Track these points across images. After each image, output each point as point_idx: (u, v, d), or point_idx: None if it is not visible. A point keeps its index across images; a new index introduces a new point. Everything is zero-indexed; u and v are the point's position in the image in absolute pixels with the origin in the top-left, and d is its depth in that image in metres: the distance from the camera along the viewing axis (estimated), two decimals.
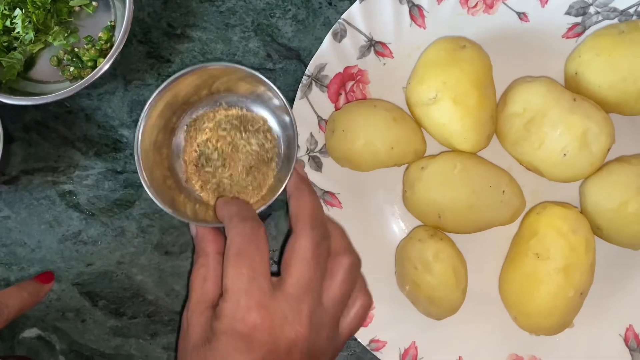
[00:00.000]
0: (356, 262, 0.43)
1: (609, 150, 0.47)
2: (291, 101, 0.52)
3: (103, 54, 0.52)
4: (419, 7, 0.52)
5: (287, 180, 0.44)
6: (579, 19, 0.51)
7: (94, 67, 0.52)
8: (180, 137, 0.49)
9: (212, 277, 0.41)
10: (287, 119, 0.46)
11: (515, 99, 0.48)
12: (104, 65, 0.48)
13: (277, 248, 0.54)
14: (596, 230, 0.49)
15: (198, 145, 0.49)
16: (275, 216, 0.54)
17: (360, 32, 0.52)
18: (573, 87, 0.50)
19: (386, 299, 0.51)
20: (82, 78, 0.50)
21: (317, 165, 0.52)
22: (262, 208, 0.44)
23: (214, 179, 0.48)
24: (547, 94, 0.47)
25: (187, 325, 0.41)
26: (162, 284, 0.54)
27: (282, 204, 0.53)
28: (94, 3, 0.54)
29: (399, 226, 0.53)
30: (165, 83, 0.46)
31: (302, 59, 0.54)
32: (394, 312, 0.51)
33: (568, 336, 0.49)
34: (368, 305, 0.44)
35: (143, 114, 0.46)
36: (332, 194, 0.52)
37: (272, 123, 0.49)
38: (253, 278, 0.38)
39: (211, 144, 0.49)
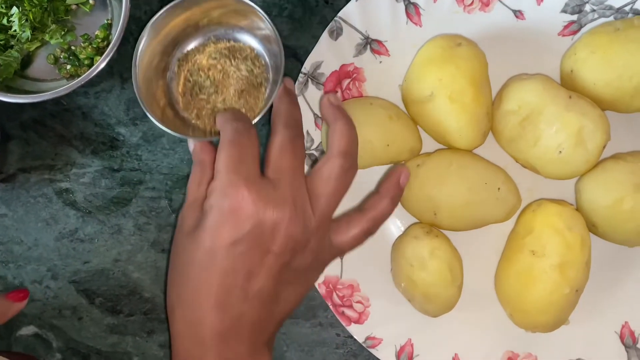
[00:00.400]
0: (345, 165, 0.43)
1: (604, 147, 0.47)
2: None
3: (100, 52, 0.52)
4: (415, 5, 0.52)
5: (274, 93, 0.46)
6: (574, 17, 0.52)
7: (90, 65, 0.52)
8: (172, 72, 0.51)
9: (207, 181, 0.44)
10: (275, 48, 0.48)
11: (511, 97, 0.48)
12: (101, 63, 0.48)
13: None
14: (592, 227, 0.49)
15: (191, 75, 0.51)
16: None
17: (356, 30, 0.52)
18: (569, 84, 0.50)
19: (382, 296, 0.51)
20: (79, 76, 0.50)
21: (314, 163, 0.52)
22: (256, 119, 0.46)
23: (209, 105, 0.50)
24: (543, 91, 0.47)
25: (181, 220, 0.44)
26: (159, 282, 0.54)
27: None
28: (90, 1, 0.54)
29: (394, 223, 0.53)
30: (156, 16, 0.47)
31: (299, 57, 0.54)
32: (390, 309, 0.51)
33: (564, 333, 0.49)
34: (368, 232, 0.45)
35: (137, 49, 0.47)
36: None
37: (260, 51, 0.51)
38: (242, 161, 0.41)
39: (203, 73, 0.51)
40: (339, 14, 0.52)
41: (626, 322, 0.51)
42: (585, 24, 0.51)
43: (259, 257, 0.40)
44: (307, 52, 0.52)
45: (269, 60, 0.51)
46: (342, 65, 0.52)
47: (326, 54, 0.52)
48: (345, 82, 0.53)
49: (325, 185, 0.42)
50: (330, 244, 0.44)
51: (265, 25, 0.48)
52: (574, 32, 0.52)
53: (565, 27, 0.52)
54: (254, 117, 0.48)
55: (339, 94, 0.53)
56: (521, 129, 0.48)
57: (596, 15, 0.51)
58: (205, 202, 0.42)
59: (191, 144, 0.47)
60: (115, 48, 0.49)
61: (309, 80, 0.52)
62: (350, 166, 0.43)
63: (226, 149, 0.41)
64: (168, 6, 0.48)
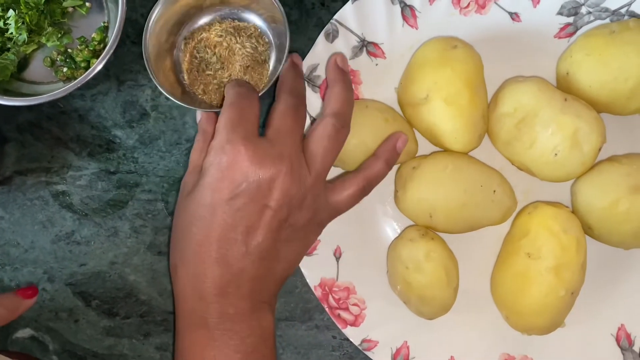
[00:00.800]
0: (337, 125, 0.45)
1: (600, 149, 0.47)
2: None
3: (96, 54, 0.52)
4: (411, 7, 0.52)
5: (279, 70, 0.49)
6: (570, 19, 0.52)
7: (87, 68, 0.52)
8: (179, 50, 0.53)
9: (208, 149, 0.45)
10: (280, 27, 0.51)
11: (507, 99, 0.48)
12: (97, 66, 0.49)
13: None
14: (587, 229, 0.49)
15: (197, 52, 0.53)
16: None
17: (352, 32, 0.52)
18: (564, 87, 0.50)
19: (378, 299, 0.51)
20: (75, 79, 0.50)
21: None
22: (260, 93, 0.48)
23: (215, 80, 0.53)
24: (539, 93, 0.47)
25: (183, 186, 0.46)
26: (155, 284, 0.54)
27: None
28: (87, 4, 0.54)
29: (391, 226, 0.53)
30: None
31: None
32: (386, 311, 0.51)
33: (560, 336, 0.49)
34: (362, 190, 0.46)
35: (147, 27, 0.50)
36: None
37: (264, 29, 0.54)
38: (241, 122, 0.43)
39: (209, 50, 0.53)
40: (335, 17, 0.52)
41: (622, 325, 0.51)
42: (581, 26, 0.51)
43: (257, 212, 0.41)
44: (304, 55, 0.52)
45: (273, 38, 0.53)
46: None
47: (322, 57, 0.52)
48: None
49: (318, 144, 0.44)
50: (327, 202, 0.45)
51: (271, 5, 0.50)
52: (570, 35, 0.52)
53: (561, 29, 0.52)
54: (259, 91, 0.50)
55: None
56: (517, 132, 0.48)
57: (592, 18, 0.51)
58: (204, 160, 0.44)
59: (198, 114, 0.50)
60: (111, 50, 0.49)
61: (305, 82, 0.52)
62: (342, 126, 0.45)
63: (226, 110, 0.43)
64: None
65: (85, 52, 0.52)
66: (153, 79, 0.49)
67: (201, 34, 0.53)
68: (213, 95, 0.53)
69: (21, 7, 0.51)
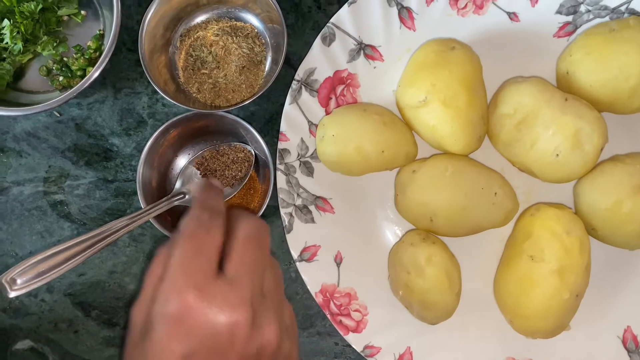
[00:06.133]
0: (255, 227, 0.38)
1: (602, 149, 0.47)
2: (281, 107, 0.52)
3: (92, 62, 0.52)
4: (408, 9, 0.52)
5: (278, 68, 0.49)
6: (569, 18, 0.51)
7: (83, 76, 0.52)
8: (175, 47, 0.53)
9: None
10: (277, 27, 0.51)
11: (506, 100, 0.48)
12: (93, 74, 0.48)
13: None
14: (591, 231, 0.48)
15: (194, 50, 0.53)
16: (267, 222, 0.54)
17: (349, 35, 0.52)
18: (565, 86, 0.49)
19: (380, 304, 0.51)
20: (71, 87, 0.49)
21: (309, 171, 0.52)
22: (256, 96, 0.49)
23: (210, 80, 0.52)
24: (538, 94, 0.47)
25: (133, 321, 0.37)
26: None
27: (274, 210, 0.52)
28: (82, 12, 0.54)
29: (392, 230, 0.52)
30: None
31: (292, 64, 0.54)
32: (388, 317, 0.51)
33: (565, 339, 0.49)
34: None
35: (143, 24, 0.49)
36: (324, 199, 0.52)
37: (261, 30, 0.53)
38: (195, 261, 0.35)
39: (205, 49, 0.53)
40: (332, 20, 0.51)
41: (628, 327, 0.50)
42: (580, 25, 0.51)
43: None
44: (300, 59, 0.52)
45: (270, 39, 0.53)
46: (336, 72, 0.52)
47: (319, 60, 0.51)
48: (340, 89, 0.53)
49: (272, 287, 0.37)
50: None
51: (269, 5, 0.50)
52: (570, 34, 0.51)
53: (561, 28, 0.51)
54: (254, 93, 0.50)
55: (334, 100, 0.52)
56: (517, 133, 0.48)
57: (591, 16, 0.51)
58: (151, 307, 0.35)
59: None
60: (107, 58, 0.48)
61: (303, 87, 0.52)
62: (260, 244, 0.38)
63: (180, 244, 0.36)
64: None
65: (81, 61, 0.52)
66: (146, 73, 0.48)
67: (197, 32, 0.53)
68: (207, 94, 0.52)
69: (16, 17, 0.51)
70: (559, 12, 0.51)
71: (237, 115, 0.49)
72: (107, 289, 0.54)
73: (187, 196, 0.51)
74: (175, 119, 0.49)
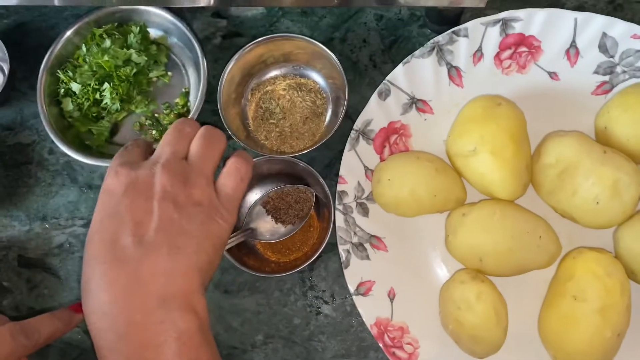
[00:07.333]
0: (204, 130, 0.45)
1: None
2: (339, 153, 0.57)
3: (181, 116, 0.59)
4: (456, 68, 0.57)
5: (339, 119, 0.55)
6: (606, 78, 0.56)
7: None
8: (246, 99, 0.60)
9: None
10: (337, 82, 0.58)
11: (549, 151, 0.52)
12: None
13: (327, 288, 0.58)
14: (630, 274, 0.51)
15: (263, 103, 0.60)
16: (325, 258, 0.58)
17: (402, 91, 0.57)
18: (603, 140, 0.54)
19: (430, 338, 0.54)
20: None
21: (365, 211, 0.57)
22: (321, 142, 0.55)
23: (277, 129, 0.59)
24: (579, 146, 0.51)
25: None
26: (221, 321, 0.58)
27: (332, 247, 0.57)
28: (169, 73, 0.61)
29: (442, 269, 0.56)
30: (240, 51, 0.57)
31: (350, 115, 0.60)
32: (438, 350, 0.54)
33: None
34: (239, 166, 0.45)
35: (221, 80, 0.57)
36: (378, 238, 0.56)
37: (323, 86, 0.60)
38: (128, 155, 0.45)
39: (274, 101, 0.60)
40: (388, 78, 0.57)
41: None
42: (616, 84, 0.55)
43: (143, 202, 0.40)
44: (358, 111, 0.57)
45: (330, 93, 0.60)
46: (390, 123, 0.57)
47: (375, 113, 0.57)
48: (393, 138, 0.58)
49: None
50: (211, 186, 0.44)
51: (330, 63, 0.57)
52: (607, 92, 0.56)
53: (598, 87, 0.56)
54: (316, 141, 0.57)
55: (387, 148, 0.58)
56: (559, 181, 0.51)
57: (627, 76, 0.55)
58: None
59: None
60: (197, 114, 0.56)
61: (360, 136, 0.57)
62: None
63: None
64: (253, 43, 0.57)
65: (172, 116, 0.59)
66: (223, 121, 0.56)
67: (267, 86, 0.61)
68: (274, 141, 0.59)
69: (114, 80, 0.58)
70: (596, 72, 0.56)
71: (300, 160, 0.55)
72: None
73: (254, 232, 0.56)
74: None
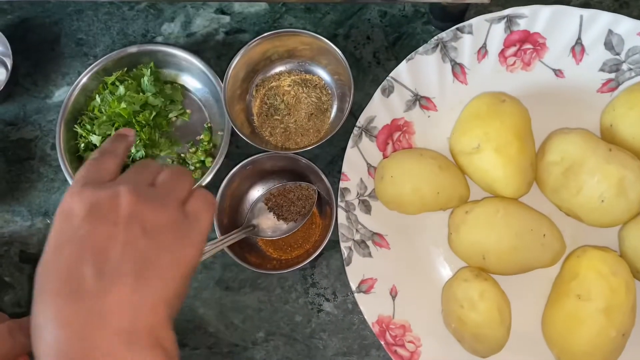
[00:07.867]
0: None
1: None
2: (342, 150, 0.57)
3: (208, 153, 0.59)
4: (460, 65, 0.57)
5: (344, 115, 0.54)
6: (612, 75, 0.55)
7: (201, 167, 0.58)
8: (250, 96, 0.60)
9: None
10: (343, 79, 0.57)
11: (554, 149, 0.52)
12: (215, 166, 0.56)
13: (329, 286, 0.58)
14: (636, 273, 0.51)
15: (268, 99, 0.60)
16: (327, 255, 0.58)
17: (406, 88, 0.57)
18: (608, 138, 0.53)
19: (433, 337, 0.54)
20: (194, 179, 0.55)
21: (367, 209, 0.56)
22: (323, 140, 0.54)
23: (282, 125, 0.59)
24: (584, 144, 0.50)
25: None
26: (222, 318, 0.58)
27: (334, 244, 0.57)
28: (187, 111, 0.61)
29: (444, 267, 0.56)
30: (243, 48, 0.57)
31: (353, 112, 0.59)
32: (440, 349, 0.53)
33: None
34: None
35: (227, 75, 0.56)
36: (380, 236, 0.56)
37: (328, 82, 0.60)
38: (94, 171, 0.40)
39: (278, 97, 0.60)
40: (391, 74, 0.57)
41: None
42: (622, 82, 0.55)
43: (106, 227, 0.36)
44: (361, 108, 0.57)
45: (335, 90, 0.59)
46: (393, 120, 0.57)
47: (379, 110, 0.57)
48: (396, 135, 0.57)
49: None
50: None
51: (335, 59, 0.56)
52: (612, 89, 0.55)
53: (604, 84, 0.56)
54: (320, 138, 0.57)
55: (390, 145, 0.57)
56: (564, 179, 0.51)
57: (633, 74, 0.55)
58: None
59: None
60: (227, 147, 0.56)
61: (363, 133, 0.57)
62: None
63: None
64: (258, 38, 0.57)
65: (199, 154, 0.59)
66: (227, 116, 0.55)
67: (272, 82, 0.60)
68: (279, 137, 0.59)
69: (136, 127, 0.57)
70: (602, 69, 0.55)
71: (303, 157, 0.55)
72: (180, 312, 0.58)
73: (256, 228, 0.56)
74: (251, 158, 0.55)
